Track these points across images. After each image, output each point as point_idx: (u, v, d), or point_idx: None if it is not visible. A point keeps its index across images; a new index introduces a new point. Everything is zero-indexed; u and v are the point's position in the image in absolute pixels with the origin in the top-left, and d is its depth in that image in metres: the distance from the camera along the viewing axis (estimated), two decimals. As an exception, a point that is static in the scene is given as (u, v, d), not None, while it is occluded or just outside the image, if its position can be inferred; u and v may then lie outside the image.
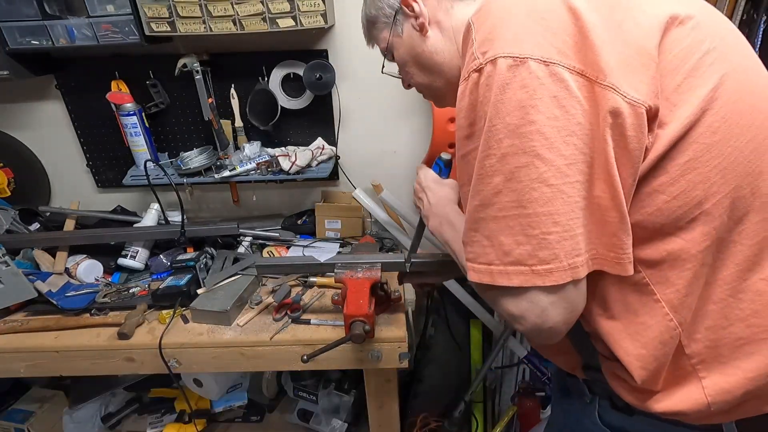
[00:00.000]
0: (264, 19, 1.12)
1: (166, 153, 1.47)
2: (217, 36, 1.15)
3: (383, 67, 0.87)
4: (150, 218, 1.38)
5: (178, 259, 1.25)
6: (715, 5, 1.21)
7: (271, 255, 1.36)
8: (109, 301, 1.16)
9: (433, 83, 0.77)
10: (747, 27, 1.11)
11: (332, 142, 1.43)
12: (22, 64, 1.24)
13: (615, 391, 0.61)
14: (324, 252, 1.36)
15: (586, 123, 0.48)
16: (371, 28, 0.81)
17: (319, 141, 1.43)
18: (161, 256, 1.31)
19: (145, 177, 1.30)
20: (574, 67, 0.47)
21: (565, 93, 0.47)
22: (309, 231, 1.46)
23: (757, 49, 1.10)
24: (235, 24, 1.13)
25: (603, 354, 0.61)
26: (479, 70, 0.50)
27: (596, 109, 0.48)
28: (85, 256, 1.30)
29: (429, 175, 0.87)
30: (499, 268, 0.51)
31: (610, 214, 0.50)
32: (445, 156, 0.90)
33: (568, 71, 0.47)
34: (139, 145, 1.37)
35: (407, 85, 0.84)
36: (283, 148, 1.43)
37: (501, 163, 0.49)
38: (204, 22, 1.13)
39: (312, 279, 1.22)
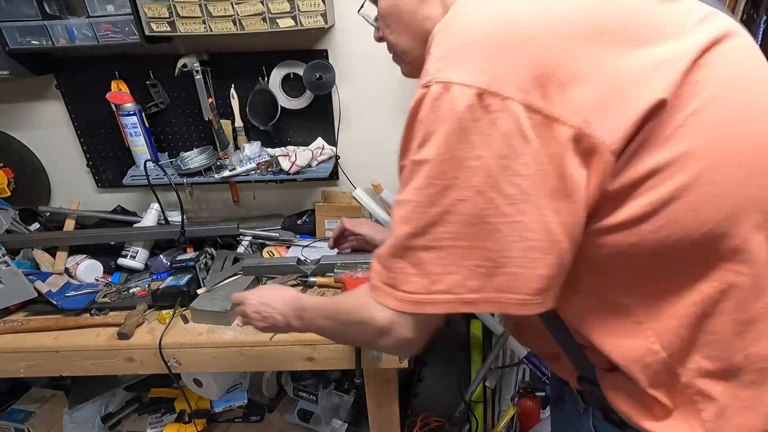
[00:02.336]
0: (264, 19, 1.12)
1: (166, 153, 1.47)
2: (217, 36, 1.15)
3: (361, 7, 0.76)
4: (150, 218, 1.38)
5: (178, 259, 1.25)
6: (715, 5, 1.21)
7: (271, 255, 1.36)
8: (109, 301, 1.16)
9: (412, 51, 0.66)
10: (747, 27, 1.11)
11: (332, 142, 1.43)
12: (22, 64, 1.24)
13: (612, 405, 0.60)
14: (322, 252, 1.36)
15: (535, 163, 0.45)
16: None
17: (319, 141, 1.43)
18: (161, 256, 1.31)
19: (145, 177, 1.30)
20: (531, 105, 0.44)
21: (516, 132, 0.45)
22: (309, 231, 1.46)
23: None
24: (235, 24, 1.13)
25: (602, 367, 0.60)
26: (428, 86, 0.47)
27: (552, 145, 0.45)
28: (85, 256, 1.30)
29: (251, 296, 0.81)
30: (425, 297, 0.52)
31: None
32: None
33: (525, 108, 0.44)
34: (139, 145, 1.37)
35: (379, 38, 0.72)
36: (283, 148, 1.43)
37: (442, 195, 0.48)
38: (204, 22, 1.13)
39: (312, 279, 1.22)
